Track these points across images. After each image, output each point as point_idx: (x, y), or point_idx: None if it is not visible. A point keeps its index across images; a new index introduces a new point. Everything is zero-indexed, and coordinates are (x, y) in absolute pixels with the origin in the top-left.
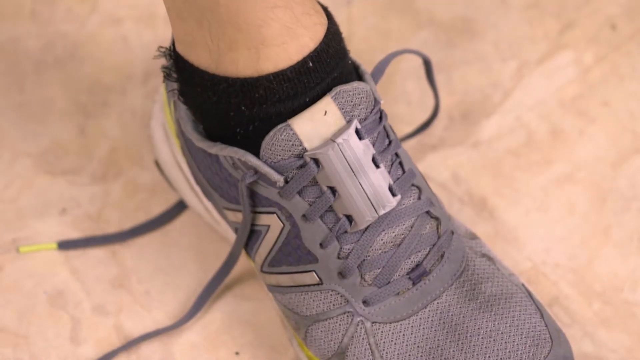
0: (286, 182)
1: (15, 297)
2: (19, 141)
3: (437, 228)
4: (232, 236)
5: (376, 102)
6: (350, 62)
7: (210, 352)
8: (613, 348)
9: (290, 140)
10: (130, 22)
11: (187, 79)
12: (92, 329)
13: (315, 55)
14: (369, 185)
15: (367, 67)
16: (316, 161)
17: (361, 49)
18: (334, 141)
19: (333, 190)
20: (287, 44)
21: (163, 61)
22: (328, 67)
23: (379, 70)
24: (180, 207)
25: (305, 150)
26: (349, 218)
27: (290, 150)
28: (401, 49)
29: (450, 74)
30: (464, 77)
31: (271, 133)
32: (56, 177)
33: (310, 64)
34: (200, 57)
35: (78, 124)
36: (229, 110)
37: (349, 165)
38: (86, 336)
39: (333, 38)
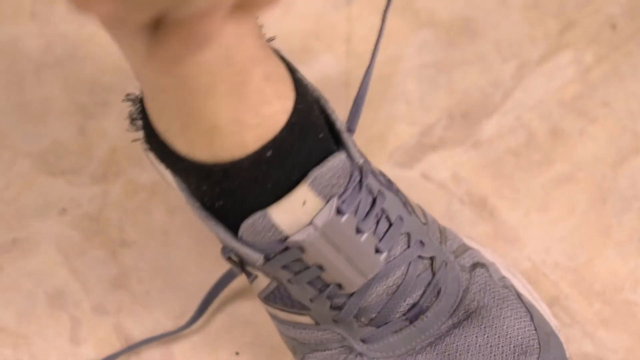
0: (267, 259)
1: (15, 297)
2: (19, 141)
3: (432, 265)
4: None
5: (353, 166)
6: (322, 135)
7: (210, 352)
8: (613, 348)
9: (270, 229)
10: None
11: (149, 135)
12: (92, 329)
13: (275, 144)
14: (355, 255)
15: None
16: (299, 245)
17: (361, 49)
18: (315, 224)
19: (319, 265)
20: (241, 133)
21: None
22: (291, 153)
23: (356, 112)
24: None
25: (286, 236)
26: (339, 284)
27: (271, 237)
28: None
29: (450, 74)
30: (464, 77)
31: (250, 220)
32: (56, 177)
33: (269, 153)
34: (159, 126)
35: (78, 124)
36: (189, 183)
37: (333, 244)
38: (86, 336)
39: (298, 121)
